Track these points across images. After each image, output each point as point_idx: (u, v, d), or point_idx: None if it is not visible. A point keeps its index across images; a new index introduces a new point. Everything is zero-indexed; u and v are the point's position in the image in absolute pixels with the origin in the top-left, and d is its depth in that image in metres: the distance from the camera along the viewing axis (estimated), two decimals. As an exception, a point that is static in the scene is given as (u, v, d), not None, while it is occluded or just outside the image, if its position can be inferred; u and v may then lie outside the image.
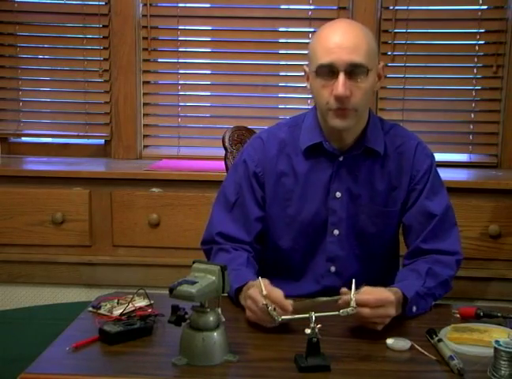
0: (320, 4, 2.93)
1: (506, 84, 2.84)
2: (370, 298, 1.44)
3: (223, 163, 2.08)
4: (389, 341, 1.42)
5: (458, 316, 1.59)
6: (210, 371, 1.31)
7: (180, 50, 2.98)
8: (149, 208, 2.72)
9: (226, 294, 1.54)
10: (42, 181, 2.73)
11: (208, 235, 1.80)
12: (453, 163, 2.89)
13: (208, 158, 2.91)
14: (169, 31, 2.99)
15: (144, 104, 3.00)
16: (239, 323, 1.51)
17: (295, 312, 1.45)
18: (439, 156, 2.64)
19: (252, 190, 1.78)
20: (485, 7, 2.85)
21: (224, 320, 1.36)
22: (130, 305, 1.54)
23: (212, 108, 3.08)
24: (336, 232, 1.75)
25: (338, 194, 1.74)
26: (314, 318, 1.35)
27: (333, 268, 1.77)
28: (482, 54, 2.88)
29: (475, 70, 2.89)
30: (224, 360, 1.33)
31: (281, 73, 3.07)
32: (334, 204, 1.74)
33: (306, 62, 1.73)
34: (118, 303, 1.57)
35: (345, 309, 1.42)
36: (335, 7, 2.88)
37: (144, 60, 2.97)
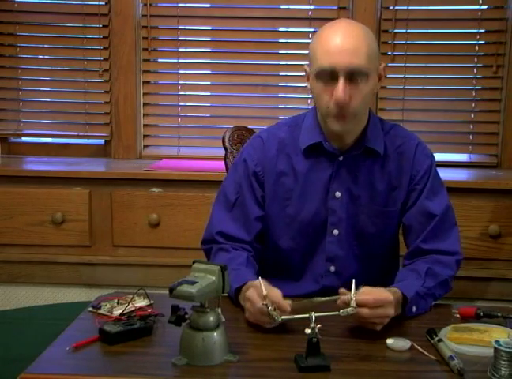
0: (320, 4, 2.93)
1: (506, 84, 2.84)
2: (369, 298, 1.44)
3: (223, 163, 2.08)
4: (389, 341, 1.42)
5: (458, 316, 1.59)
6: (210, 371, 1.31)
7: (180, 50, 2.98)
8: (149, 208, 2.72)
9: (226, 294, 1.54)
10: (42, 181, 2.73)
11: (208, 235, 1.80)
12: (453, 163, 2.89)
13: (208, 158, 2.91)
14: (169, 31, 2.99)
15: (144, 104, 3.00)
16: (239, 323, 1.51)
17: (293, 312, 1.45)
18: (439, 156, 2.65)
19: (252, 190, 1.78)
20: (485, 7, 2.85)
21: (223, 320, 1.36)
22: (130, 305, 1.54)
23: (212, 108, 3.08)
24: (335, 232, 1.75)
25: (338, 194, 1.74)
26: (314, 318, 1.35)
27: (332, 268, 1.77)
28: (482, 54, 2.88)
29: (475, 70, 2.89)
30: (224, 360, 1.33)
31: (281, 73, 3.07)
32: (334, 203, 1.74)
33: (307, 62, 1.73)
34: (118, 303, 1.57)
35: (345, 309, 1.42)
36: (335, 7, 2.88)
37: (144, 60, 2.97)
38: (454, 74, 2.94)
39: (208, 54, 3.06)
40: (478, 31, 2.85)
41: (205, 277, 1.34)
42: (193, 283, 1.32)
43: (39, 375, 1.29)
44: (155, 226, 2.73)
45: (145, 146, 3.04)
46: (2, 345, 2.60)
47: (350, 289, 1.46)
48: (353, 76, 1.60)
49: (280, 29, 3.01)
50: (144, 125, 3.02)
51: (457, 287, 1.78)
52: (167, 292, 1.32)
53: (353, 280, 1.45)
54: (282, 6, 2.98)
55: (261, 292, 1.43)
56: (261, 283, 1.45)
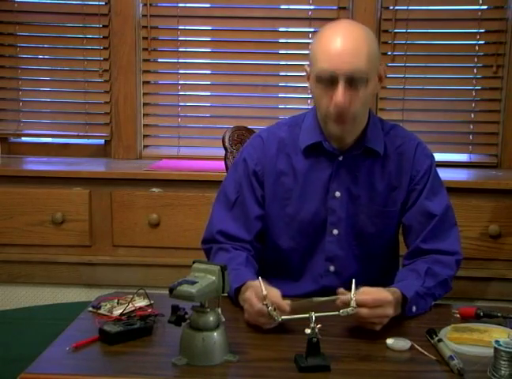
0: (320, 4, 2.93)
1: (506, 84, 2.84)
2: (368, 298, 1.45)
3: (223, 163, 2.08)
4: (389, 341, 1.42)
5: (458, 316, 1.59)
6: (210, 371, 1.31)
7: (180, 50, 2.98)
8: (149, 208, 2.72)
9: (226, 294, 1.54)
10: (42, 181, 2.73)
11: (208, 234, 1.80)
12: (453, 163, 2.89)
13: (208, 158, 2.91)
14: (169, 31, 2.99)
15: (144, 104, 3.00)
16: (239, 323, 1.51)
17: (292, 312, 1.45)
18: (439, 156, 2.65)
19: (252, 189, 1.78)
20: (485, 7, 2.85)
21: (223, 320, 1.36)
22: (130, 305, 1.54)
23: (212, 108, 3.08)
24: (335, 232, 1.75)
25: (337, 194, 1.74)
26: (314, 318, 1.35)
27: (332, 268, 1.77)
28: (482, 54, 2.88)
29: (475, 70, 2.89)
30: (224, 360, 1.33)
31: (281, 73, 3.07)
32: (333, 203, 1.74)
33: (307, 62, 1.73)
34: (118, 303, 1.57)
35: (345, 309, 1.42)
36: (335, 7, 2.88)
37: (144, 60, 2.97)
38: (454, 74, 2.94)
39: (208, 54, 3.06)
40: (478, 31, 2.85)
41: (205, 277, 1.34)
42: (193, 283, 1.32)
43: (39, 375, 1.29)
44: (155, 226, 2.73)
45: (145, 146, 3.04)
46: (2, 345, 2.60)
47: (349, 289, 1.46)
48: (353, 80, 1.60)
49: (280, 29, 3.01)
50: (144, 125, 3.02)
51: (457, 287, 1.79)
52: (167, 292, 1.32)
53: (353, 280, 1.45)
54: (282, 6, 2.98)
55: (261, 292, 1.43)
56: (261, 283, 1.45)
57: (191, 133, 3.05)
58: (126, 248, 2.77)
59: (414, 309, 1.59)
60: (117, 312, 1.52)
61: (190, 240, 2.64)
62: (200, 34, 3.05)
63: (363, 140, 1.73)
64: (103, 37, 2.94)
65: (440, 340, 1.40)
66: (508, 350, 1.25)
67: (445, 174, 1.90)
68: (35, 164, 2.98)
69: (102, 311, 1.55)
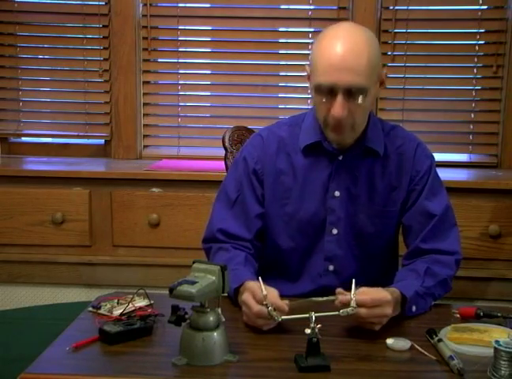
0: (320, 4, 2.93)
1: (506, 84, 2.84)
2: (366, 298, 1.44)
3: (223, 163, 2.08)
4: (389, 341, 1.42)
5: (458, 316, 1.59)
6: (210, 371, 1.31)
7: (180, 50, 2.98)
8: (149, 208, 2.72)
9: (226, 294, 1.54)
10: (42, 181, 2.73)
11: (209, 233, 1.81)
12: (453, 163, 2.89)
13: (208, 158, 2.91)
14: (169, 31, 2.99)
15: (144, 104, 3.00)
16: (239, 323, 1.51)
17: (291, 312, 1.45)
18: (439, 156, 2.65)
19: (252, 188, 1.78)
20: (485, 7, 2.85)
21: (223, 320, 1.36)
22: (130, 305, 1.54)
23: (212, 108, 3.08)
24: (334, 231, 1.75)
25: (337, 193, 1.74)
26: (314, 318, 1.35)
27: (331, 268, 1.77)
28: (482, 54, 2.88)
29: (475, 70, 2.89)
30: (224, 360, 1.33)
31: (281, 73, 3.07)
32: (333, 203, 1.74)
33: (307, 62, 1.73)
34: (118, 303, 1.57)
35: (345, 309, 1.42)
36: (335, 7, 2.88)
37: (144, 60, 2.97)
38: (454, 74, 2.94)
39: (208, 54, 3.06)
40: (478, 31, 2.85)
41: (205, 277, 1.34)
42: (193, 283, 1.32)
43: (39, 375, 1.29)
44: (155, 226, 2.73)
45: (145, 146, 3.04)
46: (2, 345, 2.60)
47: (348, 289, 1.46)
48: (352, 92, 1.59)
49: (280, 29, 3.01)
50: (144, 125, 3.02)
51: (457, 287, 1.79)
52: (167, 292, 1.32)
53: (353, 280, 1.45)
54: (282, 6, 2.98)
55: (261, 292, 1.43)
56: (261, 283, 1.45)
57: (191, 133, 3.05)
58: (126, 248, 2.77)
59: (414, 308, 1.59)
60: (117, 312, 1.52)
61: (190, 240, 2.64)
62: (200, 34, 3.05)
63: (363, 140, 1.73)
64: (103, 37, 2.94)
65: (440, 340, 1.40)
66: (508, 350, 1.25)
67: (445, 174, 1.90)
68: (35, 164, 2.98)
69: (102, 311, 1.55)
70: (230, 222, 1.77)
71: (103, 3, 2.92)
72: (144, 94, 3.00)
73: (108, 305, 1.56)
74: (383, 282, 1.61)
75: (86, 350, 1.38)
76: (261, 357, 1.37)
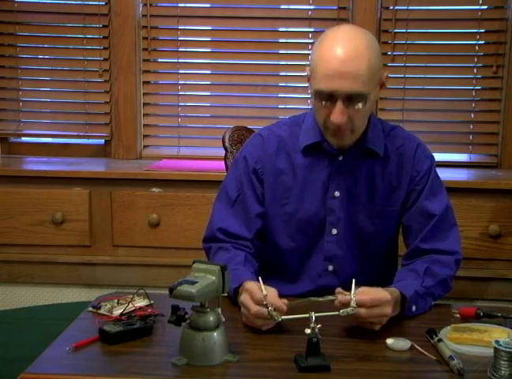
0: (320, 4, 2.93)
1: (506, 84, 2.84)
2: (366, 298, 1.44)
3: (223, 163, 2.08)
4: (389, 341, 1.42)
5: (458, 316, 1.59)
6: (210, 371, 1.31)
7: (180, 50, 2.98)
8: (149, 208, 2.72)
9: (226, 294, 1.54)
10: (42, 181, 2.73)
11: (209, 232, 1.81)
12: (453, 163, 2.89)
13: (208, 158, 2.91)
14: (169, 31, 2.99)
15: (144, 104, 3.00)
16: (239, 323, 1.51)
17: (290, 311, 1.45)
18: (439, 156, 2.65)
19: (252, 187, 1.78)
20: (485, 7, 2.85)
21: (223, 320, 1.36)
22: (130, 305, 1.54)
23: (212, 108, 3.08)
24: (334, 231, 1.76)
25: (337, 193, 1.74)
26: (314, 318, 1.35)
27: (330, 268, 1.77)
28: (482, 54, 2.88)
29: (475, 70, 2.89)
30: (224, 360, 1.33)
31: (281, 73, 3.07)
32: (333, 203, 1.75)
33: (307, 62, 1.73)
34: (118, 303, 1.57)
35: (345, 309, 1.42)
36: (335, 7, 2.88)
37: (144, 60, 2.97)
38: (454, 74, 2.94)
39: (208, 54, 3.06)
40: (478, 31, 2.85)
41: (205, 277, 1.34)
42: (193, 283, 1.32)
43: (39, 375, 1.29)
44: (155, 226, 2.73)
45: (145, 146, 3.04)
46: (2, 345, 2.60)
47: (347, 289, 1.46)
48: (352, 98, 1.59)
49: (280, 29, 3.01)
50: (144, 125, 3.02)
51: (457, 287, 1.79)
52: (167, 292, 1.32)
53: (353, 280, 1.45)
54: (282, 6, 2.98)
55: (261, 292, 1.43)
56: (261, 283, 1.45)
57: (191, 133, 3.05)
58: (126, 248, 2.77)
59: (414, 308, 1.59)
60: (117, 312, 1.52)
61: (190, 240, 2.64)
62: (200, 34, 3.05)
63: (363, 141, 1.73)
64: (103, 37, 2.94)
65: (440, 340, 1.40)
66: (508, 350, 1.25)
67: (445, 174, 1.90)
68: (35, 164, 2.97)
69: (102, 311, 1.55)
70: (230, 221, 1.77)
71: (103, 3, 2.92)
72: (144, 94, 2.99)
73: (108, 305, 1.56)
74: (383, 282, 1.61)
75: (86, 350, 1.38)
76: (261, 357, 1.37)
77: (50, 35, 3.00)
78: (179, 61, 2.99)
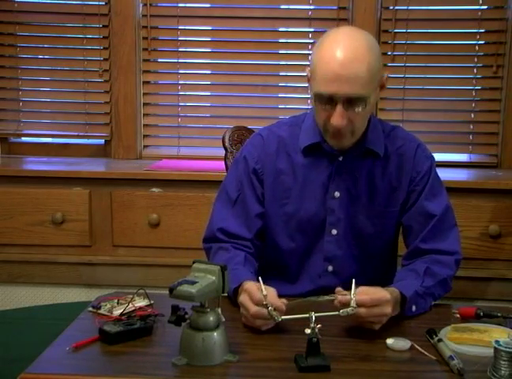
0: (320, 4, 2.93)
1: (506, 84, 2.84)
2: (366, 297, 1.44)
3: (223, 163, 2.08)
4: (389, 341, 1.42)
5: (458, 316, 1.59)
6: (210, 371, 1.31)
7: (180, 50, 2.98)
8: (149, 208, 2.72)
9: (226, 294, 1.54)
10: (42, 181, 2.73)
11: (209, 232, 1.81)
12: (453, 163, 2.89)
13: (208, 158, 2.91)
14: (169, 31, 2.99)
15: (144, 104, 3.00)
16: (239, 323, 1.51)
17: (289, 311, 1.45)
18: (439, 156, 2.65)
19: (253, 187, 1.78)
20: (485, 7, 2.84)
21: (223, 320, 1.36)
22: (130, 305, 1.54)
23: (212, 108, 3.08)
24: (334, 232, 1.76)
25: (337, 194, 1.74)
26: (314, 318, 1.35)
27: (330, 268, 1.77)
28: (482, 54, 2.88)
29: (475, 70, 2.89)
30: (224, 360, 1.33)
31: (281, 73, 3.07)
32: (333, 203, 1.74)
33: (307, 62, 1.73)
34: (118, 303, 1.57)
35: (345, 309, 1.42)
36: (335, 7, 2.88)
37: (144, 60, 2.97)
38: (454, 74, 2.94)
39: (208, 54, 3.06)
40: (478, 31, 2.85)
41: (205, 277, 1.34)
42: (193, 283, 1.32)
43: (39, 375, 1.29)
44: (155, 226, 2.73)
45: (145, 146, 3.04)
46: (2, 345, 2.60)
47: (347, 289, 1.46)
48: (352, 101, 1.59)
49: (280, 29, 3.01)
50: (144, 125, 3.02)
51: (457, 287, 1.79)
52: (167, 292, 1.32)
53: (353, 280, 1.45)
54: (282, 6, 2.98)
55: (258, 293, 1.44)
56: (261, 283, 1.45)
57: (191, 133, 3.05)
58: (126, 248, 2.77)
59: (414, 308, 1.59)
60: (117, 312, 1.52)
61: (190, 240, 2.64)
62: (200, 34, 3.05)
63: (363, 141, 1.73)
64: (103, 37, 2.94)
65: (440, 340, 1.40)
66: (508, 350, 1.25)
67: (445, 174, 1.90)
68: (35, 164, 2.97)
69: (102, 311, 1.55)
70: (230, 221, 1.77)
71: (103, 3, 2.92)
72: (144, 94, 2.99)
73: (108, 305, 1.56)
74: (382, 282, 1.61)
75: (86, 350, 1.38)
76: (261, 357, 1.37)
77: (50, 35, 3.00)
78: (179, 61, 2.99)
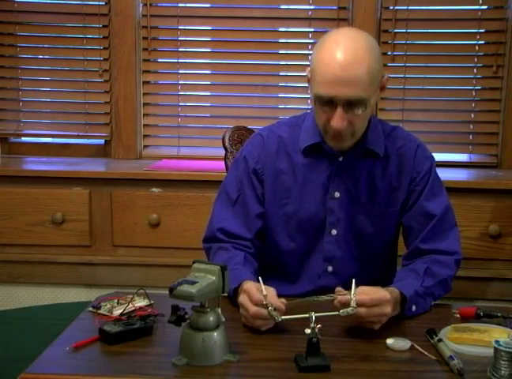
0: (320, 4, 2.93)
1: (506, 84, 2.84)
2: (365, 297, 1.44)
3: (223, 163, 2.08)
4: (389, 341, 1.42)
5: (458, 316, 1.59)
6: (210, 371, 1.31)
7: (180, 50, 2.98)
8: (149, 208, 2.72)
9: (226, 294, 1.54)
10: (42, 181, 2.73)
11: (209, 232, 1.81)
12: (453, 163, 2.89)
13: (208, 158, 2.91)
14: (169, 31, 2.99)
15: (144, 104, 3.00)
16: (239, 323, 1.51)
17: (288, 311, 1.45)
18: (439, 156, 2.65)
19: (253, 187, 1.78)
20: (485, 7, 2.84)
21: (223, 320, 1.36)
22: (130, 305, 1.54)
23: (212, 108, 3.08)
24: (334, 232, 1.75)
25: (337, 194, 1.74)
26: (314, 318, 1.35)
27: (330, 268, 1.77)
28: (482, 54, 2.88)
29: (475, 70, 2.89)
30: (224, 360, 1.33)
31: (281, 73, 3.07)
32: (332, 204, 1.74)
33: (307, 62, 1.73)
34: (118, 303, 1.57)
35: (345, 309, 1.42)
36: (335, 7, 2.88)
37: (144, 60, 2.97)
38: (454, 74, 2.94)
39: (208, 54, 3.06)
40: (478, 31, 2.85)
41: (205, 277, 1.34)
42: (193, 283, 1.32)
43: (39, 375, 1.29)
44: (155, 226, 2.73)
45: (145, 146, 3.04)
46: (2, 345, 2.60)
47: (347, 289, 1.46)
48: (352, 103, 1.59)
49: (280, 29, 3.01)
50: (144, 125, 3.02)
51: (457, 287, 1.79)
52: (167, 292, 1.32)
53: (353, 280, 1.45)
54: (282, 6, 2.98)
55: (258, 293, 1.44)
56: (261, 283, 1.45)
57: (191, 133, 3.05)
58: (126, 248, 2.77)
59: (414, 308, 1.59)
60: (117, 312, 1.52)
61: (190, 240, 2.64)
62: (200, 34, 3.05)
63: (363, 142, 1.73)
64: (103, 37, 2.94)
65: (440, 340, 1.40)
66: (508, 350, 1.25)
67: (445, 174, 1.90)
68: (35, 164, 2.97)
69: (102, 311, 1.55)
70: (230, 221, 1.77)
71: (103, 3, 2.92)
72: (144, 94, 2.99)
73: (108, 305, 1.56)
74: (382, 282, 1.61)
75: (86, 350, 1.38)
76: (261, 357, 1.37)
77: (50, 35, 3.00)
78: (179, 61, 2.99)
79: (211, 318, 1.34)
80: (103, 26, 2.94)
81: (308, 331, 1.33)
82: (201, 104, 3.10)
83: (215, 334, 1.33)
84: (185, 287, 1.31)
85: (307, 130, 1.77)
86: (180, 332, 1.35)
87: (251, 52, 2.98)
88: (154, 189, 2.73)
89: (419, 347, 1.40)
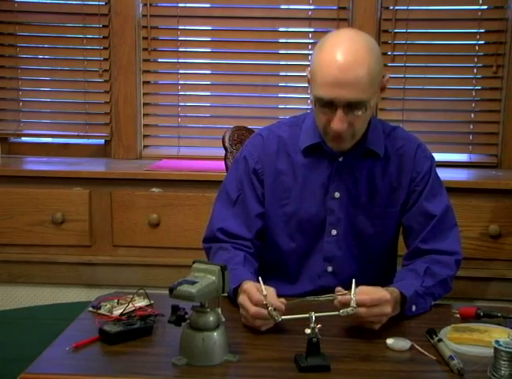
0: (320, 4, 2.93)
1: (506, 84, 2.84)
2: (365, 297, 1.44)
3: (223, 163, 2.08)
4: (389, 341, 1.42)
5: (458, 316, 1.59)
6: (210, 371, 1.31)
7: (180, 50, 2.98)
8: (149, 208, 2.72)
9: (226, 294, 1.54)
10: (42, 181, 2.73)
11: (209, 232, 1.81)
12: (453, 163, 2.89)
13: (208, 158, 2.91)
14: (169, 31, 2.99)
15: (144, 104, 3.00)
16: (239, 323, 1.51)
17: (288, 311, 1.45)
18: (439, 156, 2.65)
19: (253, 187, 1.78)
20: (485, 7, 2.85)
21: (223, 320, 1.36)
22: (130, 305, 1.54)
23: (212, 108, 3.08)
24: (334, 232, 1.75)
25: (337, 194, 1.74)
26: (314, 318, 1.35)
27: (329, 268, 1.77)
28: (482, 54, 2.88)
29: (475, 70, 2.89)
30: (224, 360, 1.33)
31: (281, 73, 3.07)
32: (333, 204, 1.74)
33: (307, 62, 1.73)
34: (118, 303, 1.57)
35: (345, 309, 1.42)
36: (335, 7, 2.88)
37: (144, 60, 2.97)
38: (454, 74, 2.94)
39: (208, 54, 3.06)
40: (478, 31, 2.85)
41: (205, 277, 1.34)
42: (193, 283, 1.32)
43: (39, 375, 1.29)
44: (155, 226, 2.73)
45: (145, 146, 3.04)
46: (2, 345, 2.60)
47: (347, 289, 1.46)
48: (352, 105, 1.58)
49: (280, 29, 3.01)
50: (144, 125, 3.02)
51: (457, 287, 1.79)
52: (167, 292, 1.32)
53: (353, 280, 1.45)
54: (282, 6, 2.98)
55: (257, 293, 1.44)
56: (261, 283, 1.45)
57: (191, 133, 3.05)
58: (126, 248, 2.77)
59: (414, 308, 1.59)
60: (117, 312, 1.52)
61: (190, 240, 2.64)
62: (200, 34, 3.05)
63: (363, 142, 1.73)
64: (103, 37, 2.94)
65: (440, 340, 1.40)
66: (508, 350, 1.25)
67: (445, 174, 1.90)
68: (35, 164, 2.98)
69: (102, 311, 1.55)
70: (230, 221, 1.77)
71: (103, 3, 2.92)
72: (144, 94, 2.99)
73: (108, 305, 1.56)
74: (382, 283, 1.61)
75: (86, 350, 1.38)
76: (261, 357, 1.37)
77: (50, 35, 3.00)
78: (179, 61, 2.99)
79: (211, 318, 1.34)
80: (103, 26, 2.94)
81: (308, 331, 1.33)
82: (201, 104, 3.10)
83: (215, 334, 1.33)
84: (185, 287, 1.31)
85: (307, 130, 1.77)
86: (180, 332, 1.35)
87: (251, 52, 2.98)
88: (154, 189, 2.73)
89: (419, 347, 1.40)
